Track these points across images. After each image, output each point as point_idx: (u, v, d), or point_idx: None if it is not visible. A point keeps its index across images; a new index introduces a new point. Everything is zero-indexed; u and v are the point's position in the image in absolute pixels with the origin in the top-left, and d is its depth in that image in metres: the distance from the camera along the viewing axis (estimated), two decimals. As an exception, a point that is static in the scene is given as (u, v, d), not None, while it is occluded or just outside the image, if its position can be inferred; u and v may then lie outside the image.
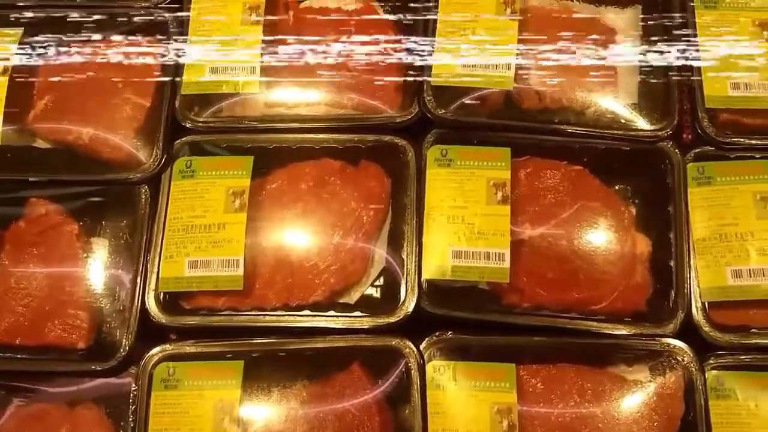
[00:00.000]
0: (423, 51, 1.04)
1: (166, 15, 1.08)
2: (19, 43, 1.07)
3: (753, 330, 0.91)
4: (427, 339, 0.91)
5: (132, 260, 0.96)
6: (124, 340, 0.91)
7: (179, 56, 1.06)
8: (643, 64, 1.06)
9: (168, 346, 0.91)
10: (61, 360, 0.92)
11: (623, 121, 1.01)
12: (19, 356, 0.93)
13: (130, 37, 1.09)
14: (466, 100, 1.02)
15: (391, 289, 0.96)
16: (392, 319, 0.91)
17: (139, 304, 0.93)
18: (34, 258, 0.98)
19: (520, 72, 1.02)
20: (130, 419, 0.89)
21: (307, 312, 0.93)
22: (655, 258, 0.96)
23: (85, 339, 0.94)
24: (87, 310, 0.95)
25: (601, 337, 0.90)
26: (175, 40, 1.07)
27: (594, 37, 1.07)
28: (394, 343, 0.90)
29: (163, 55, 1.07)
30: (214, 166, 0.98)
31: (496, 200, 0.95)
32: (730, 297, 0.91)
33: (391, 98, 1.05)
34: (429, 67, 1.02)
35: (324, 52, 1.08)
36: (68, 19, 1.10)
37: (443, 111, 1.00)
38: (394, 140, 1.01)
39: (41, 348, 0.94)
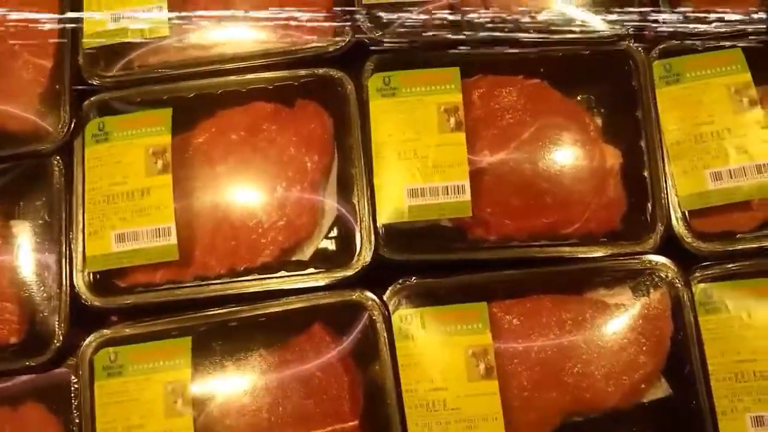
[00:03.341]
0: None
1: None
2: None
3: (738, 235, 0.84)
4: (390, 288, 0.83)
5: (54, 241, 0.87)
6: (57, 329, 0.82)
7: (77, 7, 0.93)
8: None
9: (105, 330, 0.82)
10: (-13, 360, 0.83)
11: (579, 22, 0.91)
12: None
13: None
14: (404, 17, 0.91)
15: (346, 239, 0.87)
16: (349, 272, 0.83)
17: (68, 288, 0.84)
18: (-53, 252, 0.88)
19: (459, -23, 0.91)
20: (75, 414, 0.80)
21: (256, 275, 0.85)
22: (627, 170, 0.88)
23: (17, 333, 0.85)
24: (15, 302, 0.86)
25: (576, 263, 0.83)
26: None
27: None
28: (354, 296, 0.82)
29: (59, 7, 0.94)
30: (129, 125, 0.87)
31: (449, 127, 0.86)
32: (712, 202, 0.84)
33: (325, 26, 0.93)
34: (359, -15, 0.90)
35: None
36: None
37: (380, 33, 0.89)
38: (329, 72, 0.90)
39: (-31, 348, 0.85)
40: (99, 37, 0.91)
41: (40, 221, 0.89)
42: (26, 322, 0.86)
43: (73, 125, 0.88)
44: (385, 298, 0.83)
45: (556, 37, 0.90)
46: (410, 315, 0.81)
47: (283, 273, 0.85)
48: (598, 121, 0.93)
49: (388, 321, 0.81)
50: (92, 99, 0.90)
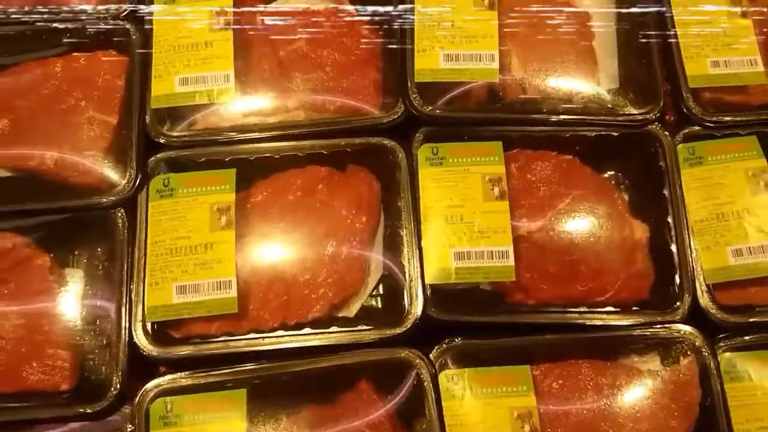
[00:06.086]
0: (402, 48, 1.00)
1: (127, 25, 1.01)
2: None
3: (757, 308, 0.91)
4: (436, 347, 0.87)
5: (113, 290, 0.90)
6: (114, 377, 0.85)
7: (145, 68, 0.99)
8: (620, 46, 1.06)
9: (163, 379, 0.85)
10: (46, 406, 0.85)
11: (609, 106, 1.00)
12: (-2, 405, 0.86)
13: (89, 51, 1.01)
14: (452, 95, 0.99)
15: (392, 297, 0.92)
16: (399, 330, 0.87)
17: (127, 337, 0.87)
18: (4, 296, 0.90)
19: (500, 63, 0.99)
20: (130, 463, 0.83)
21: (308, 330, 0.89)
22: (655, 243, 0.95)
23: (68, 380, 0.88)
24: (68, 349, 0.89)
25: (611, 330, 0.89)
26: (139, 51, 1.00)
27: (569, 21, 1.06)
28: (402, 354, 0.86)
29: (127, 68, 1.00)
30: (194, 183, 0.93)
31: (494, 196, 0.93)
32: (733, 277, 0.91)
33: (373, 99, 1.01)
34: (411, 64, 0.98)
35: (297, 55, 1.03)
36: (22, 33, 1.01)
37: (430, 108, 0.96)
38: (382, 141, 0.97)
39: (22, 394, 0.87)
40: (167, 99, 0.96)
41: (101, 271, 0.93)
42: (79, 370, 0.89)
43: (138, 180, 0.93)
44: (431, 356, 0.87)
45: (590, 118, 0.98)
46: (456, 375, 0.85)
47: (334, 328, 0.89)
48: (626, 197, 1.00)
49: (435, 380, 0.84)
50: (158, 156, 0.95)
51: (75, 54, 1.02)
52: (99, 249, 0.95)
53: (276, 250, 0.93)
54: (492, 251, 0.90)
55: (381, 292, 0.96)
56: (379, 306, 0.95)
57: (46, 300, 0.91)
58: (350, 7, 1.07)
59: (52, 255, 0.94)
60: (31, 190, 0.96)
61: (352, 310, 0.94)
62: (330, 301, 0.91)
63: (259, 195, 0.96)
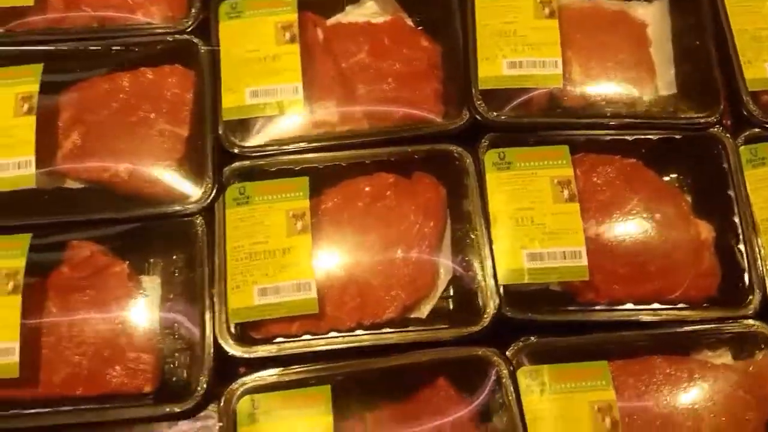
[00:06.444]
0: (464, 58, 1.03)
1: (194, 39, 1.05)
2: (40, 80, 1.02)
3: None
4: (513, 345, 0.89)
5: (193, 295, 0.92)
6: (201, 377, 0.87)
7: (213, 80, 1.03)
8: (676, 53, 1.08)
9: (248, 378, 0.87)
10: (134, 406, 0.87)
11: (671, 109, 1.02)
12: (85, 407, 0.88)
13: (155, 66, 1.05)
14: (515, 103, 1.02)
15: (465, 298, 0.94)
16: (475, 328, 0.89)
17: (212, 338, 0.89)
18: (84, 303, 0.92)
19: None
20: (221, 461, 0.84)
21: (386, 329, 0.91)
22: (721, 242, 0.96)
23: (151, 382, 0.90)
24: (149, 352, 0.91)
25: (685, 325, 0.90)
26: (208, 64, 1.03)
27: (626, 31, 1.09)
28: (480, 352, 0.87)
29: (194, 81, 1.04)
30: (269, 190, 0.95)
31: (564, 198, 0.95)
32: (801, 273, 0.92)
33: (434, 108, 1.04)
34: (474, 73, 1.01)
35: (360, 67, 1.06)
36: (89, 50, 1.04)
37: (496, 114, 0.99)
38: (449, 148, 0.99)
39: (106, 397, 0.89)
40: (238, 111, 0.99)
41: (179, 276, 0.96)
42: (161, 372, 0.91)
43: (216, 189, 0.95)
44: (508, 354, 0.88)
45: (651, 122, 1.00)
46: (534, 371, 0.87)
47: (411, 327, 0.91)
48: (689, 198, 1.02)
49: (513, 377, 0.86)
50: (233, 166, 0.98)
51: (142, 69, 1.05)
52: (174, 256, 0.98)
53: (348, 253, 0.95)
54: (564, 251, 0.92)
55: (451, 293, 0.98)
56: (450, 307, 0.97)
57: (126, 306, 0.93)
58: (409, 20, 1.11)
59: (128, 263, 0.96)
60: (104, 201, 0.98)
61: (423, 312, 0.96)
62: (403, 302, 0.93)
63: (329, 202, 0.98)
